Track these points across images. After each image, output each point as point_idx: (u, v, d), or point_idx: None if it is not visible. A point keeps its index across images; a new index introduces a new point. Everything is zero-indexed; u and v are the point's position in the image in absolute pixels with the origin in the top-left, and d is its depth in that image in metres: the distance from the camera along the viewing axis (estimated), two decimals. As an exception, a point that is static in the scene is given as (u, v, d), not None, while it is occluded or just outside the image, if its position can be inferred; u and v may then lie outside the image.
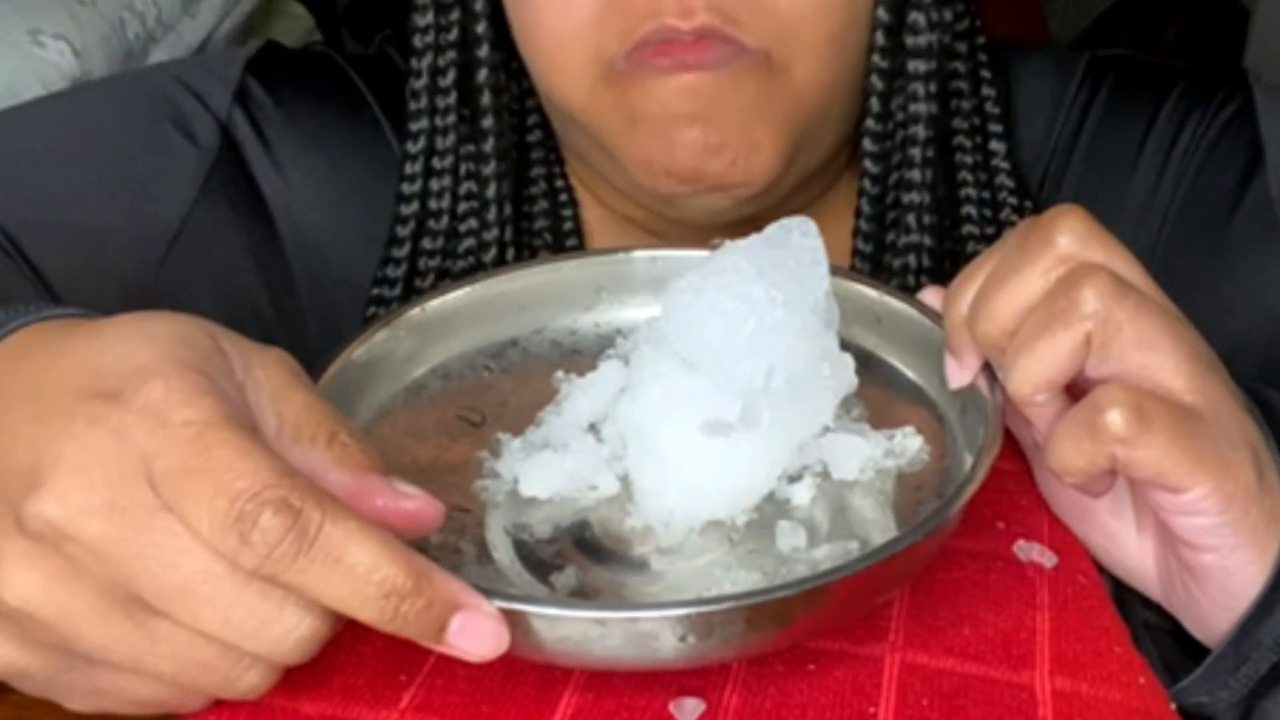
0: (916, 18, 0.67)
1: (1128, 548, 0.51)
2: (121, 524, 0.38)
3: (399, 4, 0.73)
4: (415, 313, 0.55)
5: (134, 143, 0.71)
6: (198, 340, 0.42)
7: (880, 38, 0.66)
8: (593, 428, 0.52)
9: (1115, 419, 0.43)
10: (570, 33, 0.63)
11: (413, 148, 0.72)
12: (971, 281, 0.49)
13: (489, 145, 0.71)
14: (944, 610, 0.47)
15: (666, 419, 0.47)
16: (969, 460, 0.47)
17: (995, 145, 0.73)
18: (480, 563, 0.47)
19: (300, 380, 0.43)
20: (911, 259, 0.70)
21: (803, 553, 0.46)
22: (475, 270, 0.71)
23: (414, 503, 0.42)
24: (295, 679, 0.42)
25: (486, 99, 0.70)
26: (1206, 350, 0.47)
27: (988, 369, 0.49)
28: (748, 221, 0.67)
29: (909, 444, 0.50)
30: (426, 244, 0.73)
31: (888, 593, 0.46)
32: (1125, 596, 0.51)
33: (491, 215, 0.71)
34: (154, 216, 0.70)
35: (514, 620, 0.40)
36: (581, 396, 0.52)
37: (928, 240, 0.69)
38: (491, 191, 0.71)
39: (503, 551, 0.47)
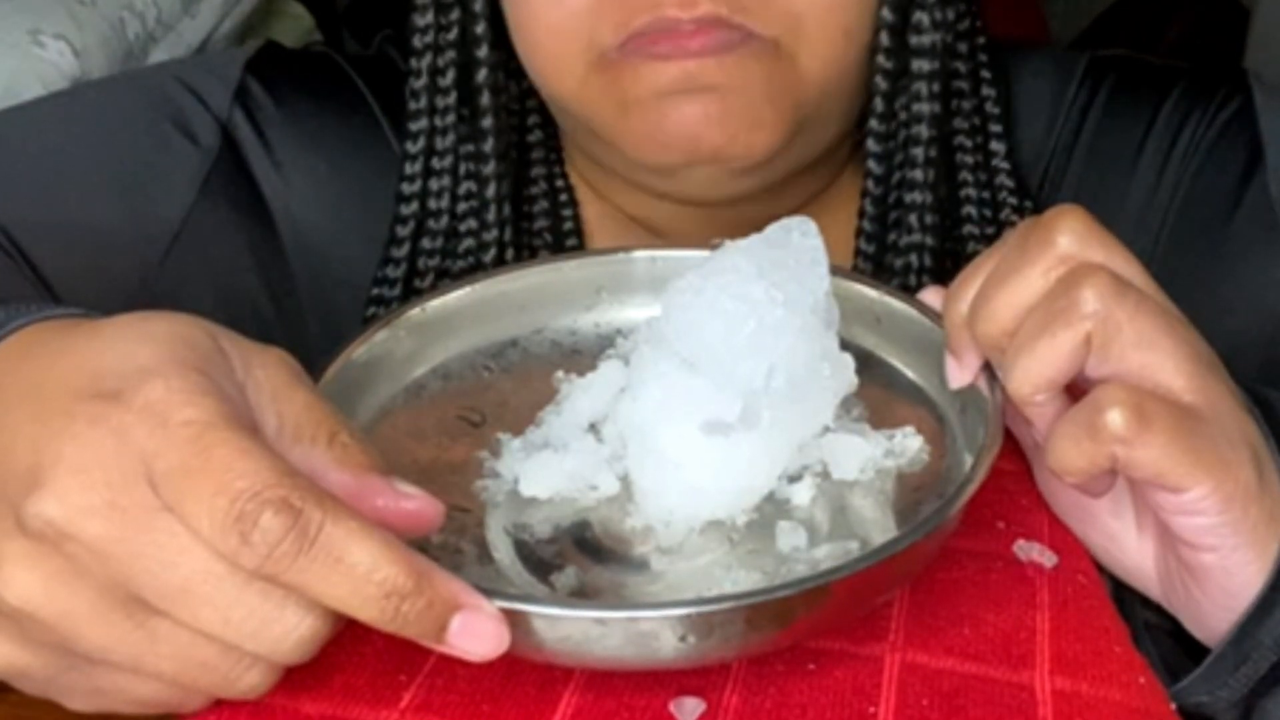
0: (921, 17, 0.67)
1: (1128, 548, 0.51)
2: (122, 524, 0.38)
3: (399, 4, 0.73)
4: (415, 313, 0.55)
5: (134, 143, 0.71)
6: (198, 340, 0.42)
7: (885, 38, 0.66)
8: (593, 428, 0.52)
9: (1115, 419, 0.43)
10: (564, 21, 0.63)
11: (412, 147, 0.72)
12: (971, 281, 0.49)
13: (488, 145, 0.71)
14: (944, 610, 0.47)
15: (667, 419, 0.47)
16: (969, 460, 0.47)
17: (995, 145, 0.73)
18: (480, 563, 0.47)
19: (300, 380, 0.43)
20: (913, 258, 0.70)
21: (803, 553, 0.46)
22: (475, 270, 0.71)
23: (414, 503, 0.42)
24: (296, 679, 0.42)
25: (486, 99, 0.70)
26: (1206, 350, 0.47)
27: (988, 369, 0.49)
28: (746, 199, 0.67)
29: (909, 444, 0.50)
30: (426, 244, 0.73)
31: (888, 593, 0.46)
32: (1125, 596, 0.51)
33: (491, 215, 0.71)
34: (154, 216, 0.70)
35: (514, 620, 0.40)
36: (581, 396, 0.52)
37: (929, 240, 0.69)
38: (491, 191, 0.71)
39: (503, 551, 0.47)
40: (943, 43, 0.68)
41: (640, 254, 0.59)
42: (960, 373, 0.50)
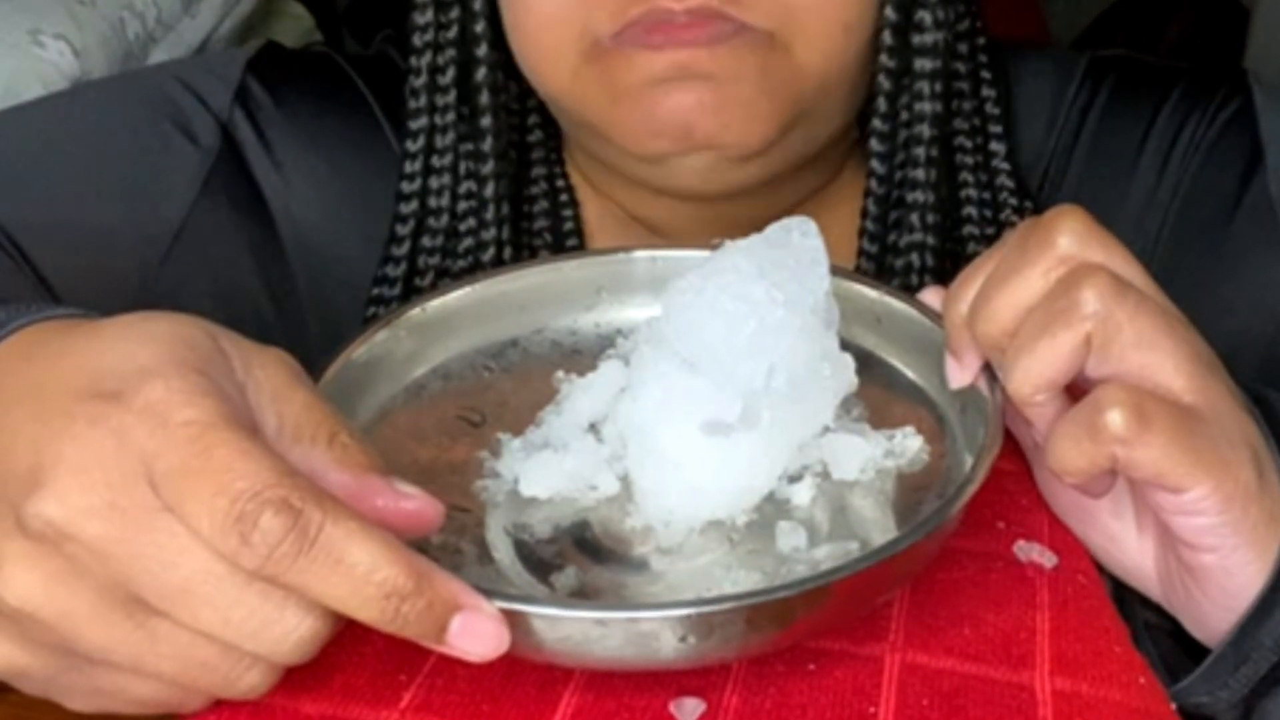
0: (923, 15, 0.67)
1: (1128, 548, 0.51)
2: (122, 524, 0.38)
3: (399, 4, 0.73)
4: (415, 313, 0.55)
5: (134, 143, 0.71)
6: (198, 340, 0.42)
7: (888, 37, 0.66)
8: (593, 428, 0.52)
9: (1115, 419, 0.43)
10: (558, 11, 0.63)
11: (412, 146, 0.72)
12: (972, 282, 0.49)
13: (488, 144, 0.71)
14: (944, 610, 0.47)
15: (667, 419, 0.47)
16: (969, 460, 0.47)
17: (995, 146, 0.73)
18: (480, 563, 0.47)
19: (300, 380, 0.43)
20: (915, 258, 0.70)
21: (803, 553, 0.46)
22: (475, 270, 0.71)
23: (414, 503, 0.42)
24: (296, 679, 0.42)
25: (485, 98, 0.70)
26: (1206, 350, 0.47)
27: (988, 369, 0.49)
28: (745, 195, 0.67)
29: (909, 444, 0.50)
30: (426, 243, 0.73)
31: (888, 593, 0.46)
32: (1125, 596, 0.51)
33: (490, 215, 0.71)
34: (154, 216, 0.70)
35: (514, 620, 0.40)
36: (581, 396, 0.52)
37: (931, 240, 0.69)
38: (490, 191, 0.71)
39: (503, 551, 0.47)
40: (944, 42, 0.68)
41: (640, 254, 0.59)
42: (960, 373, 0.50)
